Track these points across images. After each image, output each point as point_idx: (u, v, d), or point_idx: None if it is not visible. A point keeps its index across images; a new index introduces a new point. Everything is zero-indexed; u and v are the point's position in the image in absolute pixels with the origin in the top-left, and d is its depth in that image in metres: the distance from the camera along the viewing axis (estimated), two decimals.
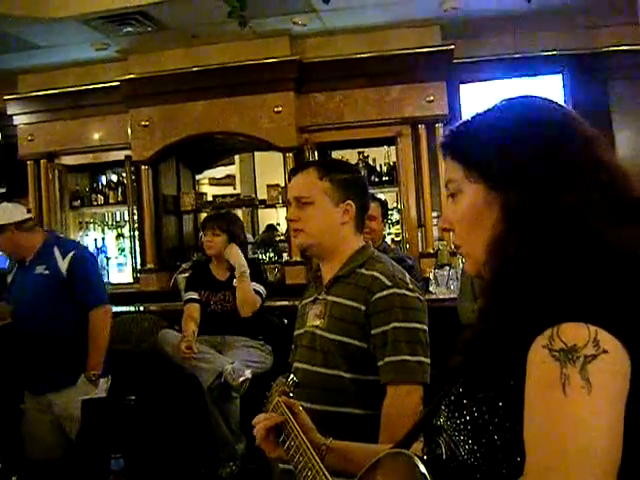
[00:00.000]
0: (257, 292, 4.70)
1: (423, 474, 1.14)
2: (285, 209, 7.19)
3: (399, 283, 2.27)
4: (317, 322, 2.32)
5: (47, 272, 4.11)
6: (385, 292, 2.24)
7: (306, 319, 2.39)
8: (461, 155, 1.30)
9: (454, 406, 1.18)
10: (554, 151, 1.20)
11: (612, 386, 0.98)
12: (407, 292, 2.26)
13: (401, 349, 2.17)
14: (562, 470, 0.94)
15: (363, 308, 2.24)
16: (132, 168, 7.41)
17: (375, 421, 2.13)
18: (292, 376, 1.90)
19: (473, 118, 1.34)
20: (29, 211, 4.27)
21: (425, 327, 2.26)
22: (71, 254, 4.14)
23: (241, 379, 4.34)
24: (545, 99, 1.32)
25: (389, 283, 2.25)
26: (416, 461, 1.18)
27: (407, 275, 2.35)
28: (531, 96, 1.33)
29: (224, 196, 8.18)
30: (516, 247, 1.16)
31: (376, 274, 2.29)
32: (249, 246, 5.19)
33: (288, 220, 2.50)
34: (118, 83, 7.15)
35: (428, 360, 2.21)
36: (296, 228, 2.42)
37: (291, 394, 1.84)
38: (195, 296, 4.82)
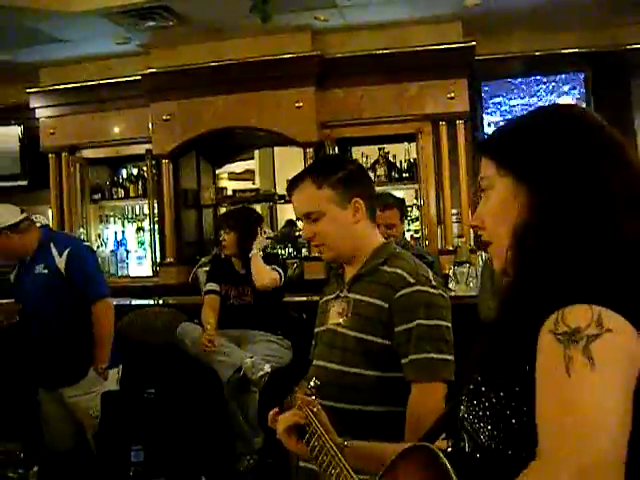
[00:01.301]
0: (275, 270, 4.71)
1: (444, 464, 1.16)
2: None
3: (422, 280, 2.25)
4: (339, 320, 2.30)
5: (46, 271, 4.12)
6: (408, 289, 2.22)
7: (327, 316, 2.38)
8: (494, 152, 1.37)
9: (473, 394, 1.21)
10: (578, 150, 1.25)
11: (618, 363, 1.00)
12: (430, 289, 2.24)
13: (426, 347, 2.16)
14: (569, 449, 0.95)
15: (386, 306, 2.22)
16: (153, 162, 7.44)
17: (395, 418, 2.12)
18: (314, 379, 1.90)
19: (509, 120, 1.48)
20: (23, 211, 4.24)
21: (449, 324, 2.24)
22: (67, 251, 4.14)
23: (261, 373, 4.35)
24: (574, 106, 1.44)
25: (412, 280, 2.23)
26: (437, 453, 1.20)
27: (430, 272, 2.34)
28: (562, 105, 1.46)
29: (244, 191, 8.18)
30: (535, 238, 1.21)
31: (399, 271, 2.27)
32: (269, 241, 5.18)
33: (305, 239, 2.49)
34: (139, 77, 7.17)
35: (452, 357, 2.20)
36: (317, 244, 2.40)
37: (313, 396, 1.84)
38: (216, 288, 4.84)
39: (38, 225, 4.31)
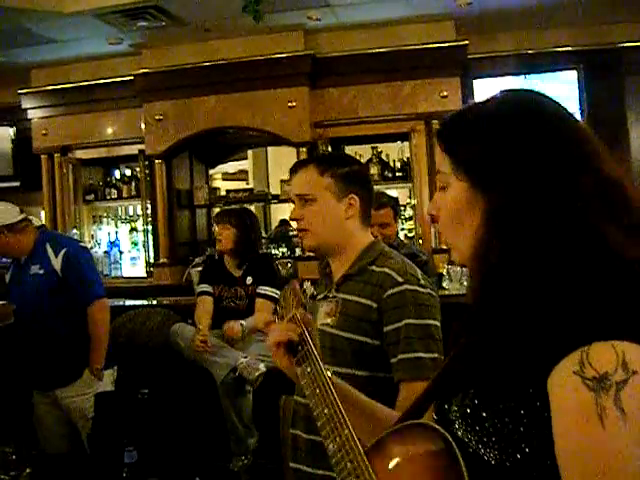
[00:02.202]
0: (269, 297, 4.70)
1: (448, 439, 1.12)
2: None
3: (411, 279, 2.24)
4: (328, 320, 2.28)
5: (42, 272, 4.11)
6: (397, 289, 2.21)
7: (316, 317, 2.35)
8: (449, 149, 1.29)
9: (472, 419, 1.15)
10: (545, 154, 1.16)
11: None
12: (419, 288, 2.23)
13: (414, 346, 2.15)
14: None
15: (375, 305, 2.21)
16: (146, 162, 7.42)
17: None
18: (309, 284, 1.83)
19: (469, 109, 1.32)
20: (22, 211, 4.23)
21: (438, 323, 2.23)
22: (63, 251, 4.13)
23: (257, 373, 4.36)
24: (545, 97, 1.28)
25: (401, 279, 2.22)
26: (444, 433, 1.14)
27: (419, 271, 2.32)
28: (530, 92, 1.30)
29: (237, 191, 8.17)
30: (499, 256, 1.14)
31: (387, 270, 2.26)
32: (262, 241, 5.19)
33: (291, 220, 2.47)
34: (132, 77, 7.16)
35: (442, 357, 2.18)
36: (301, 228, 2.39)
37: (307, 306, 1.77)
38: (209, 289, 4.84)
39: (35, 225, 4.30)
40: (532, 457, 1.07)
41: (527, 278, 1.10)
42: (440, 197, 1.32)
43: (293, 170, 2.48)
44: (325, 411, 1.37)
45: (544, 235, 1.11)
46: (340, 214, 2.34)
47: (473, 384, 1.16)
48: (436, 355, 2.17)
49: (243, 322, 4.56)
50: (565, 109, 1.26)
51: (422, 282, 2.26)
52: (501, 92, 1.31)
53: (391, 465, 1.18)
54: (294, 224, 2.48)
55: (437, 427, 1.16)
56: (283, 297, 1.85)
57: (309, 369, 1.53)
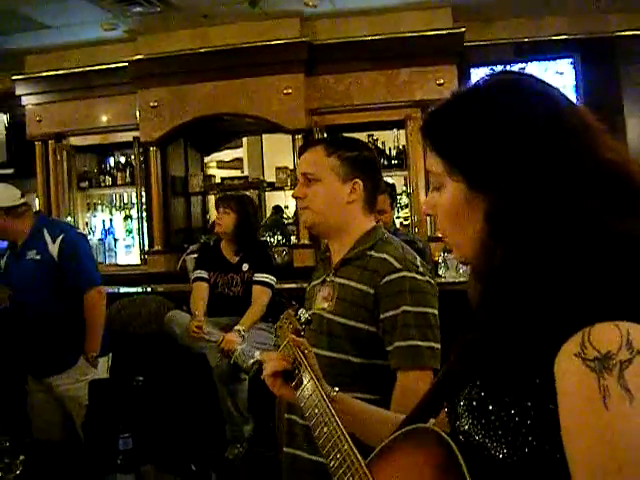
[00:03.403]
0: (267, 284, 4.71)
1: (451, 446, 1.09)
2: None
3: (409, 266, 2.21)
4: (325, 305, 2.27)
5: (38, 257, 4.07)
6: (394, 275, 2.18)
7: (314, 301, 2.35)
8: (440, 147, 1.21)
9: (479, 412, 1.10)
10: (544, 143, 1.10)
11: None
12: (417, 275, 2.20)
13: (411, 334, 2.12)
14: None
15: (372, 291, 2.19)
16: (140, 149, 7.41)
17: (383, 406, 2.10)
18: (303, 311, 1.83)
19: (455, 99, 1.24)
20: (23, 195, 4.20)
21: (435, 311, 2.20)
22: (61, 237, 4.10)
23: (251, 361, 4.35)
24: (536, 79, 1.21)
25: (399, 266, 2.20)
26: (449, 440, 1.11)
27: (418, 258, 2.30)
28: (520, 75, 1.23)
29: (232, 178, 8.17)
30: (502, 260, 1.10)
31: (386, 256, 2.23)
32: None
33: (294, 197, 2.47)
34: (126, 64, 7.12)
35: (439, 345, 2.16)
36: (302, 206, 2.39)
37: (302, 332, 1.77)
38: (204, 275, 4.83)
39: (33, 211, 4.28)
40: (540, 452, 1.03)
41: (532, 281, 1.05)
42: (435, 197, 1.25)
43: (302, 149, 2.48)
44: (324, 429, 1.37)
45: (549, 237, 1.06)
46: (343, 197, 2.33)
47: (479, 376, 1.13)
48: (433, 343, 2.15)
49: (240, 328, 4.51)
50: (561, 93, 1.19)
51: (421, 269, 2.24)
52: (488, 77, 1.24)
53: (392, 477, 1.16)
54: (297, 202, 2.48)
55: (440, 432, 1.13)
56: (279, 327, 1.86)
57: (306, 391, 1.54)
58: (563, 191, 1.08)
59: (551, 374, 0.98)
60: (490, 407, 1.08)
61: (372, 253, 2.28)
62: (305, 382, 1.56)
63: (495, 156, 1.12)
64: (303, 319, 1.79)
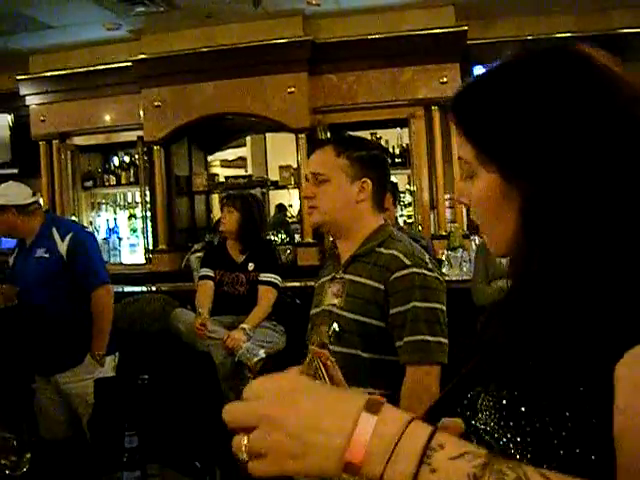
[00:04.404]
0: (272, 283, 4.71)
1: None
2: (297, 190, 7.22)
3: (419, 262, 2.26)
4: (335, 301, 2.30)
5: (47, 255, 4.09)
6: (404, 271, 2.23)
7: (323, 298, 2.38)
8: (471, 132, 1.07)
9: (508, 412, 0.98)
10: (590, 129, 0.94)
11: None
12: (426, 272, 2.25)
13: (420, 329, 2.16)
14: None
15: (382, 287, 2.23)
16: (144, 149, 7.41)
17: (392, 401, 2.11)
18: (335, 325, 1.83)
19: (488, 76, 1.09)
20: (35, 194, 4.23)
21: (444, 307, 2.25)
22: (69, 236, 4.12)
23: (256, 359, 4.35)
24: (582, 52, 1.02)
25: (408, 262, 2.24)
26: None
27: (426, 255, 2.35)
28: (561, 49, 1.04)
29: (236, 177, 8.16)
30: (540, 262, 0.97)
31: (395, 253, 2.28)
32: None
33: (303, 197, 2.50)
34: (130, 63, 7.13)
35: (446, 340, 2.21)
36: (311, 205, 2.42)
37: (330, 345, 1.77)
38: (210, 273, 4.83)
39: (43, 210, 4.30)
40: (570, 467, 0.88)
41: (578, 289, 0.93)
42: (467, 186, 1.11)
43: (313, 149, 2.53)
44: None
45: (599, 241, 0.93)
46: (352, 196, 2.37)
47: (512, 374, 1.00)
48: (441, 339, 2.20)
49: (245, 326, 4.52)
50: (612, 67, 1.02)
51: (429, 266, 2.29)
52: (526, 52, 1.07)
53: None
54: (306, 202, 2.51)
55: None
56: (310, 341, 1.84)
57: None
58: (617, 188, 0.93)
59: (599, 383, 0.87)
60: (522, 409, 0.96)
61: (381, 250, 2.32)
62: None
63: (535, 144, 0.97)
64: (331, 332, 1.79)
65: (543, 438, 0.93)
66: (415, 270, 2.23)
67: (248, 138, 10.13)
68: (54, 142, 7.68)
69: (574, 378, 0.90)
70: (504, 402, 1.00)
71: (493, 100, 1.03)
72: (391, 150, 7.22)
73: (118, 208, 8.15)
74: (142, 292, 6.16)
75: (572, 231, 0.94)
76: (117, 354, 4.33)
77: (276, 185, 7.76)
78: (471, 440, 1.05)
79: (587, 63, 1.00)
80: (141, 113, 7.25)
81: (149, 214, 7.51)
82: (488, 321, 1.13)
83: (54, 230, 4.15)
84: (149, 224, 7.54)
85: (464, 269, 5.84)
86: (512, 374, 1.00)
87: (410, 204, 7.33)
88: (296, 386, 0.89)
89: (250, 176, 8.40)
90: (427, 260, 2.30)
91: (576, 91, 0.96)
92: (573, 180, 0.94)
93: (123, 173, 7.84)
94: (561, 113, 0.95)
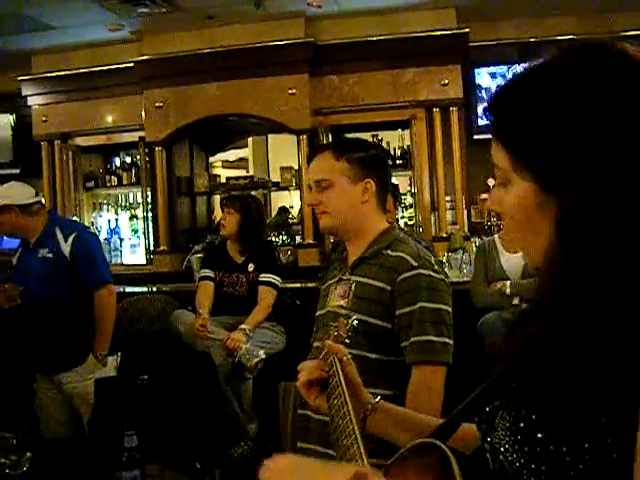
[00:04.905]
0: (272, 284, 4.72)
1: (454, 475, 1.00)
2: (298, 192, 7.22)
3: (425, 264, 2.27)
4: (341, 302, 2.33)
5: (50, 255, 4.10)
6: (411, 272, 2.24)
7: (329, 300, 2.40)
8: (505, 138, 1.01)
9: (523, 436, 0.93)
10: (637, 138, 0.88)
11: None
12: (433, 273, 2.27)
13: (427, 329, 2.18)
14: None
15: (389, 288, 2.25)
16: (146, 150, 7.42)
17: (400, 401, 2.13)
18: (354, 319, 1.84)
19: (525, 77, 1.02)
20: (37, 194, 4.24)
21: (449, 308, 2.27)
22: (73, 236, 4.13)
23: (255, 360, 4.36)
24: (626, 53, 0.97)
25: (415, 264, 2.26)
26: (451, 460, 1.02)
27: (432, 256, 2.37)
28: (604, 48, 0.99)
29: (237, 178, 8.17)
30: (574, 285, 0.90)
31: (402, 255, 2.29)
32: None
33: (308, 205, 2.51)
34: (132, 64, 7.14)
35: (452, 341, 2.23)
36: (319, 211, 2.43)
37: (347, 340, 1.77)
38: (210, 274, 4.84)
39: (46, 210, 4.31)
40: None
41: (613, 317, 0.86)
42: (500, 194, 1.06)
43: (311, 156, 2.52)
44: (344, 442, 1.30)
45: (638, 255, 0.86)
46: (356, 198, 2.38)
47: (533, 394, 0.95)
48: (447, 340, 2.22)
49: (245, 327, 4.53)
50: None
51: (436, 267, 2.31)
52: (568, 51, 1.00)
53: None
54: (315, 209, 2.50)
55: (444, 449, 1.05)
56: (327, 335, 1.82)
57: (335, 401, 1.46)
58: None
59: (624, 416, 0.82)
60: (539, 435, 0.91)
61: (388, 252, 2.34)
62: (335, 392, 1.49)
63: (577, 153, 0.91)
64: (349, 326, 1.79)
65: (559, 468, 0.88)
66: (422, 271, 2.25)
67: (250, 139, 10.13)
68: (56, 142, 7.68)
69: (597, 407, 0.85)
70: (521, 425, 0.94)
71: (531, 104, 0.96)
72: (392, 152, 7.21)
73: (119, 209, 8.16)
74: (143, 293, 6.17)
75: (613, 247, 0.88)
76: (119, 354, 4.33)
77: (277, 186, 7.77)
78: (485, 457, 1.02)
79: (633, 64, 0.95)
80: (143, 114, 7.26)
81: (150, 215, 7.52)
82: (513, 331, 1.04)
83: (57, 230, 4.15)
84: (150, 225, 7.54)
85: (464, 271, 5.85)
86: (533, 394, 0.95)
87: (411, 206, 7.33)
88: (294, 466, 1.04)
89: (252, 177, 8.41)
90: (433, 262, 2.32)
91: (622, 96, 0.91)
92: (617, 192, 0.88)
93: (124, 174, 7.85)
94: (606, 119, 0.89)
